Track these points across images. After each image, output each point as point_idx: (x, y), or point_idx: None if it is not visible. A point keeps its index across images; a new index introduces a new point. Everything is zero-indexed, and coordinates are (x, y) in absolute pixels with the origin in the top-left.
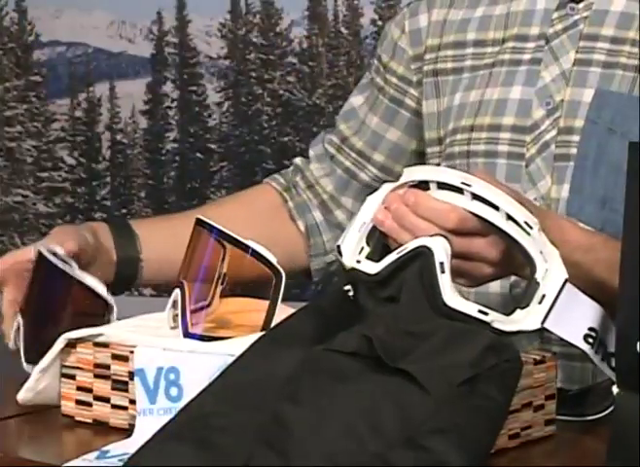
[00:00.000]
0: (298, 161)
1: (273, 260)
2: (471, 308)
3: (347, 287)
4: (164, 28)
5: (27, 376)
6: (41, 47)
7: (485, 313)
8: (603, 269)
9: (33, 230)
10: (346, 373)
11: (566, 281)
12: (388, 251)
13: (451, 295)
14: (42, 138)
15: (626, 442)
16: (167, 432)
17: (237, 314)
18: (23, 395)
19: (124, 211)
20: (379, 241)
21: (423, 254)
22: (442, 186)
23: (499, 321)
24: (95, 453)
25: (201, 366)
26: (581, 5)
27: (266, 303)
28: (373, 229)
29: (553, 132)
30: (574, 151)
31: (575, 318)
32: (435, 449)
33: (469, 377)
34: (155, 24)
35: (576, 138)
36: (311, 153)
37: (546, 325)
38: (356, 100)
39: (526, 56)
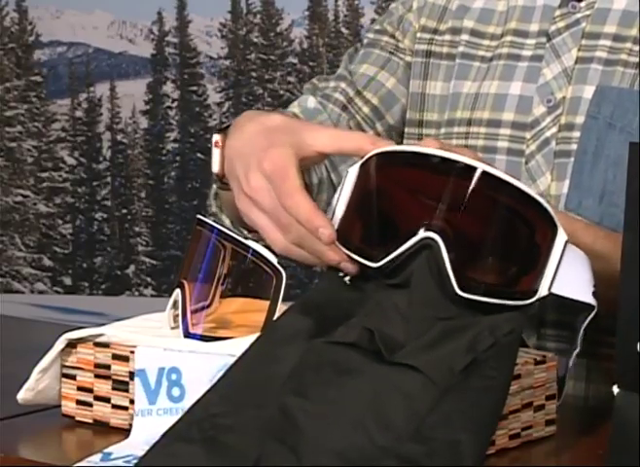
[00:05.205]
0: (297, 110)
1: (274, 260)
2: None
3: (342, 272)
4: (165, 28)
5: (27, 375)
6: (41, 47)
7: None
8: None
9: (33, 230)
10: (349, 364)
11: (567, 243)
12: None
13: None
14: (42, 138)
15: (626, 442)
16: (175, 433)
17: (238, 314)
18: (23, 395)
19: (124, 211)
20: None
21: (429, 246)
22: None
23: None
24: (99, 455)
25: (203, 366)
26: (583, 3)
27: (267, 303)
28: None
29: (554, 129)
30: (574, 147)
31: (581, 277)
32: (444, 438)
33: (468, 362)
34: (155, 24)
35: (576, 134)
36: (311, 102)
37: (553, 290)
38: (357, 67)
39: (526, 53)
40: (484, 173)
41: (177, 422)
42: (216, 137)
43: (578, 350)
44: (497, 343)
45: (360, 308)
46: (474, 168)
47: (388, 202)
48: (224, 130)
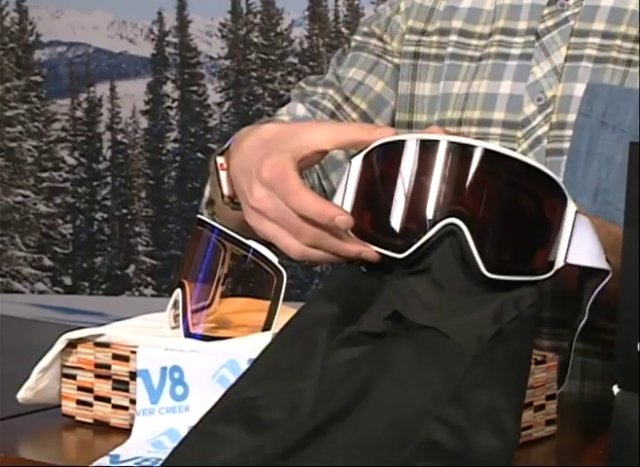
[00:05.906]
0: (286, 119)
1: (274, 260)
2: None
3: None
4: (165, 28)
5: (27, 375)
6: (41, 47)
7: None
8: None
9: (34, 230)
10: (383, 339)
11: (577, 213)
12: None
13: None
14: (42, 138)
15: (627, 442)
16: (212, 417)
17: (238, 314)
18: (23, 394)
19: (124, 211)
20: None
21: (453, 232)
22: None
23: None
24: (107, 459)
25: (204, 364)
26: (571, 1)
27: (268, 303)
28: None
29: (546, 128)
30: (567, 145)
31: (592, 245)
32: (481, 402)
33: (494, 333)
34: (155, 24)
35: (569, 133)
36: (300, 110)
37: (568, 260)
38: (345, 72)
39: (515, 51)
40: (494, 153)
41: (212, 408)
42: (220, 160)
43: (585, 320)
44: (520, 316)
45: (378, 297)
46: (483, 150)
47: (401, 192)
48: (226, 151)
